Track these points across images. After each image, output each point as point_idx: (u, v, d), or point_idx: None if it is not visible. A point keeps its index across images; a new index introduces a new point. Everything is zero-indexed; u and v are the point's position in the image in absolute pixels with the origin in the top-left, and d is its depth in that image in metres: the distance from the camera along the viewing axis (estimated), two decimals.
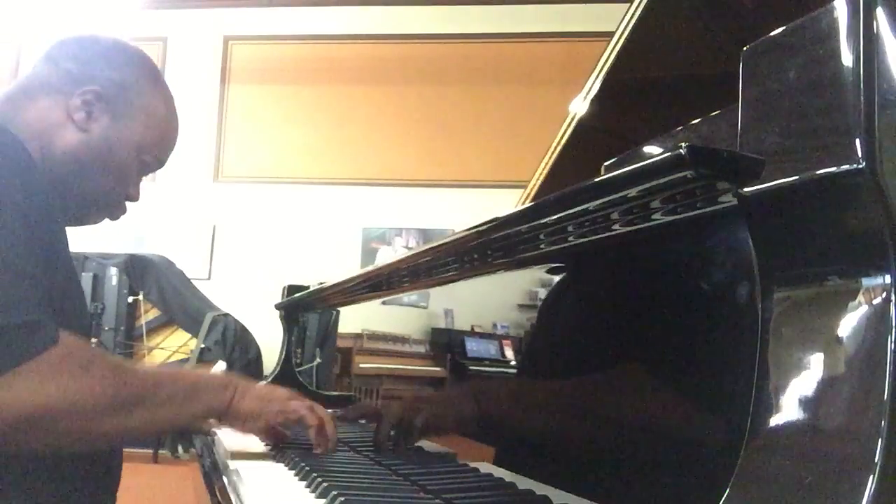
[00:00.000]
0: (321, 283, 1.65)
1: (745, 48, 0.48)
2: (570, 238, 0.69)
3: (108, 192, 1.09)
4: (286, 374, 1.78)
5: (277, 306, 1.90)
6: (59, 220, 0.98)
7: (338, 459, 1.00)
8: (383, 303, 1.43)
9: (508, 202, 1.63)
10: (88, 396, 0.84)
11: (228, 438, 1.11)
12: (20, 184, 0.88)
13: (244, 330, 4.31)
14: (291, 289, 1.82)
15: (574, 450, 0.76)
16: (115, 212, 1.13)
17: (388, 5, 5.07)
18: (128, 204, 1.14)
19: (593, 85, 1.44)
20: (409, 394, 1.35)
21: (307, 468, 0.88)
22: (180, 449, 4.08)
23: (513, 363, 0.97)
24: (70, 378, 0.82)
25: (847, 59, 0.41)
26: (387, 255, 4.75)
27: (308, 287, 1.75)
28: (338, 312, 1.85)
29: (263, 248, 4.99)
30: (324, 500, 0.75)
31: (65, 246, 0.99)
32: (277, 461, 0.99)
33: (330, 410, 1.08)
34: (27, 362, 0.79)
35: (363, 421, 1.46)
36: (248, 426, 1.03)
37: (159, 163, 1.13)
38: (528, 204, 0.73)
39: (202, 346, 4.17)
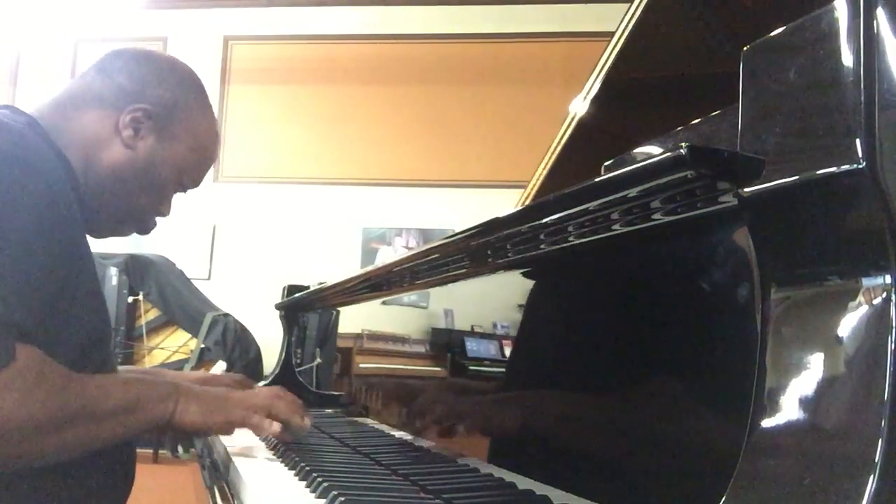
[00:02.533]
0: (321, 283, 1.65)
1: (745, 48, 0.48)
2: (570, 238, 0.69)
3: (144, 210, 1.10)
4: (286, 374, 1.78)
5: (277, 306, 1.90)
6: (82, 231, 0.98)
7: (338, 459, 1.00)
8: (383, 303, 1.43)
9: (508, 202, 1.64)
10: (31, 416, 0.81)
11: (228, 438, 1.11)
12: (48, 203, 0.87)
13: (244, 330, 4.31)
14: (291, 289, 1.82)
15: (574, 450, 0.76)
16: (146, 227, 1.13)
17: (388, 5, 5.07)
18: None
19: (593, 85, 1.44)
20: (412, 394, 1.35)
21: (307, 468, 0.88)
22: (180, 449, 4.08)
23: (513, 363, 0.97)
24: (20, 396, 0.79)
25: (847, 59, 0.41)
26: (387, 255, 4.75)
27: (308, 287, 1.75)
28: (338, 312, 1.85)
29: (263, 248, 4.99)
30: (324, 500, 0.75)
31: (88, 258, 0.98)
32: (277, 461, 0.99)
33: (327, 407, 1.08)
34: None
35: (359, 418, 1.46)
36: (196, 436, 1.02)
37: (195, 184, 1.14)
38: (528, 204, 0.73)
39: (202, 346, 4.17)
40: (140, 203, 1.08)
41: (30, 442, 0.82)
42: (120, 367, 1.25)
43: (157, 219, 1.14)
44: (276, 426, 1.02)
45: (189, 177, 1.11)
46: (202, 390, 1.03)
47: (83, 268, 0.95)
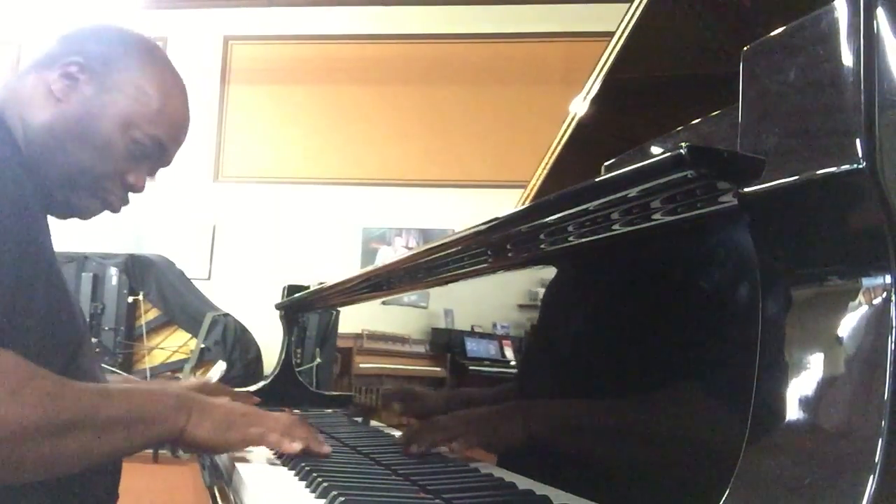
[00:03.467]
0: (321, 283, 1.65)
1: (745, 48, 0.48)
2: (570, 238, 0.69)
3: (94, 173, 0.99)
4: (286, 374, 1.78)
5: (277, 306, 1.90)
6: (37, 212, 0.91)
7: (338, 459, 1.00)
8: (383, 303, 1.43)
9: (508, 202, 1.64)
10: (16, 421, 0.75)
11: None
12: (3, 189, 0.82)
13: (244, 330, 4.31)
14: (291, 289, 1.82)
15: (574, 450, 0.76)
16: (112, 200, 1.03)
17: (388, 5, 5.07)
18: (130, 199, 1.05)
19: (593, 85, 1.44)
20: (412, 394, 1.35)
21: (307, 468, 0.88)
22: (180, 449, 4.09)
23: (513, 363, 0.97)
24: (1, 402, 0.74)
25: (847, 59, 0.41)
26: (387, 255, 4.75)
27: (308, 287, 1.75)
28: (338, 312, 1.85)
29: (263, 248, 4.99)
30: (324, 500, 0.75)
31: (46, 242, 0.92)
32: (277, 461, 0.99)
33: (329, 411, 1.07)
34: None
35: (359, 419, 1.46)
36: (206, 452, 0.95)
37: (156, 143, 1.03)
38: (528, 204, 0.73)
39: (202, 346, 4.17)
40: (86, 162, 0.98)
41: (28, 450, 0.77)
42: (116, 377, 1.19)
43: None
44: (296, 444, 0.96)
45: (141, 131, 1.00)
46: (217, 404, 0.97)
47: (40, 256, 0.88)
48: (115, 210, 1.05)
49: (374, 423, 1.41)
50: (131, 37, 1.06)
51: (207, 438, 0.91)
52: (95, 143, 0.98)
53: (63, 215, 1.03)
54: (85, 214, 1.04)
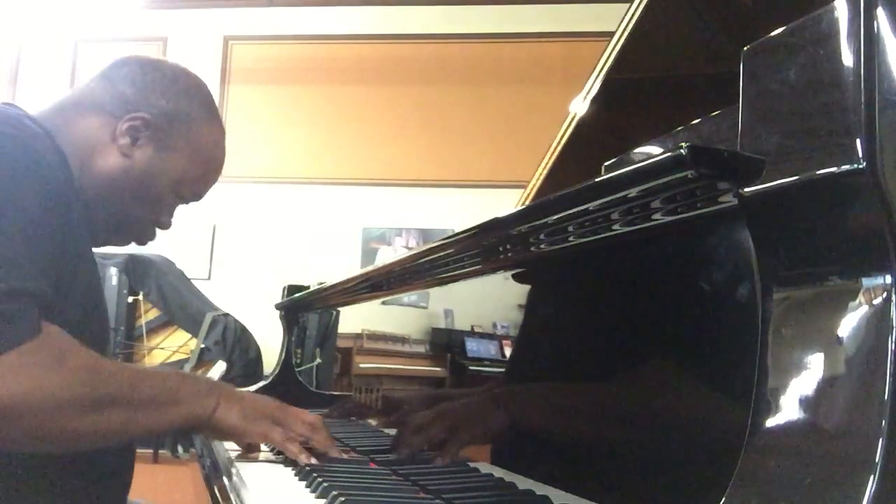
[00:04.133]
0: (321, 283, 1.65)
1: (745, 48, 0.48)
2: (570, 238, 0.69)
3: (138, 220, 1.08)
4: (286, 374, 1.78)
5: (277, 306, 1.90)
6: (80, 225, 0.96)
7: (338, 459, 1.00)
8: (383, 303, 1.43)
9: (508, 202, 1.64)
10: (58, 392, 0.79)
11: None
12: (51, 188, 0.87)
13: (244, 330, 4.31)
14: (291, 289, 1.82)
15: (574, 450, 0.76)
16: (144, 237, 1.11)
17: (388, 5, 5.07)
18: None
19: (593, 85, 1.44)
20: (412, 394, 1.35)
21: (307, 468, 0.88)
22: (180, 449, 4.09)
23: (512, 363, 0.97)
24: (41, 371, 0.78)
25: (847, 59, 0.41)
26: (387, 255, 4.75)
27: (308, 287, 1.75)
28: (338, 312, 1.85)
29: (263, 248, 4.99)
30: (324, 500, 0.75)
31: (90, 259, 0.98)
32: (278, 461, 0.99)
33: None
34: (1, 354, 0.75)
35: (354, 418, 1.46)
36: (228, 439, 0.99)
37: (196, 196, 1.12)
38: (528, 204, 0.73)
39: (202, 346, 4.17)
40: (135, 213, 1.06)
41: (69, 421, 0.80)
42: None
43: (158, 231, 1.13)
44: (304, 457, 0.96)
45: (189, 189, 1.09)
46: (245, 394, 1.02)
47: (82, 257, 0.93)
48: (144, 244, 1.13)
49: (373, 423, 1.41)
50: (193, 89, 1.11)
51: (234, 424, 0.95)
52: (148, 198, 1.06)
53: (97, 245, 1.09)
54: (114, 245, 1.11)
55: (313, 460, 0.95)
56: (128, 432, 0.89)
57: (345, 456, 0.99)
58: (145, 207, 1.06)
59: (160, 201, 1.07)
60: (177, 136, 1.05)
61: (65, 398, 0.80)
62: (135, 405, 0.87)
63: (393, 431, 1.26)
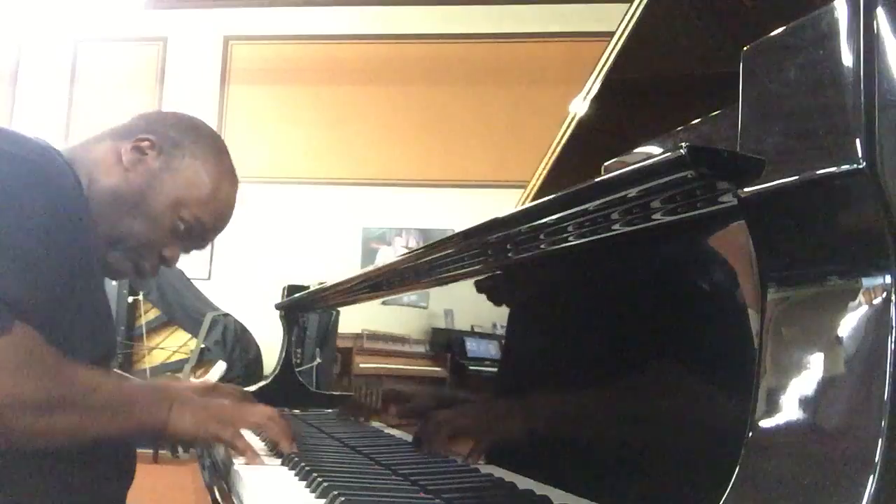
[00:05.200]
0: (321, 283, 1.65)
1: (745, 48, 0.48)
2: (570, 238, 0.69)
3: (138, 240, 1.08)
4: (286, 374, 1.78)
5: (277, 306, 1.90)
6: (91, 243, 0.99)
7: (338, 459, 1.00)
8: (383, 303, 1.43)
9: (508, 202, 1.63)
10: (11, 391, 0.81)
11: None
12: (57, 203, 0.91)
13: (244, 330, 4.30)
14: (291, 289, 1.82)
15: (574, 450, 0.76)
16: (144, 267, 1.11)
17: (388, 5, 5.07)
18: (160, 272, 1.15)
19: (593, 85, 1.44)
20: (412, 394, 1.35)
21: (307, 468, 0.88)
22: (180, 449, 4.08)
23: (512, 363, 0.97)
24: (6, 371, 0.81)
25: (847, 59, 0.41)
26: (387, 255, 4.74)
27: (308, 287, 1.75)
28: (338, 312, 1.85)
29: (263, 248, 4.98)
30: (324, 500, 0.75)
31: (95, 269, 1.00)
32: (277, 461, 0.99)
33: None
34: None
35: (362, 419, 1.46)
36: (187, 446, 1.02)
37: (199, 225, 1.11)
38: (528, 204, 0.73)
39: (202, 346, 4.17)
40: (134, 232, 1.07)
41: (18, 420, 0.83)
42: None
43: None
44: (250, 453, 0.99)
45: (188, 212, 1.09)
46: (199, 400, 1.03)
47: (89, 275, 0.96)
48: (143, 277, 1.15)
49: (373, 423, 1.41)
50: (204, 130, 1.18)
51: (186, 430, 0.96)
52: (147, 213, 1.07)
53: None
54: (115, 275, 1.12)
55: (261, 457, 0.99)
56: (77, 437, 0.89)
57: (294, 448, 1.02)
58: (143, 226, 1.07)
59: (157, 222, 1.08)
60: (180, 160, 1.09)
61: (18, 397, 0.82)
62: (87, 410, 0.88)
63: (394, 431, 1.26)
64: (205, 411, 1.00)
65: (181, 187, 1.09)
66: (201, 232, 1.13)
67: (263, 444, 1.13)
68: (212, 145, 1.16)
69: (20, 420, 0.83)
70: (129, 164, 1.06)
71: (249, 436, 1.08)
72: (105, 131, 1.12)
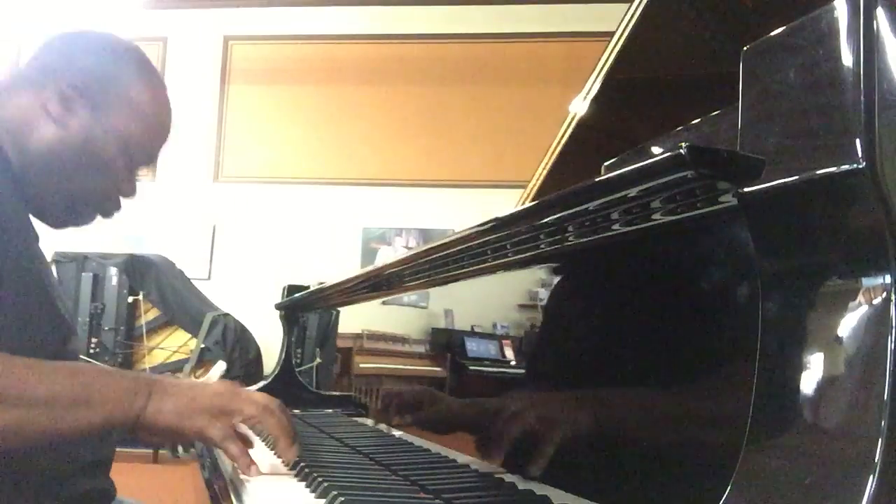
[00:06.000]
0: (321, 283, 1.65)
1: (745, 48, 0.48)
2: (570, 238, 0.69)
3: (97, 192, 1.02)
4: (286, 374, 1.78)
5: (277, 306, 1.90)
6: (10, 213, 0.90)
7: (338, 459, 1.00)
8: (383, 303, 1.43)
9: (508, 202, 1.63)
10: None
11: None
12: None
13: (244, 330, 4.31)
14: (291, 289, 1.82)
15: (574, 450, 0.76)
16: (108, 208, 1.05)
17: (388, 5, 5.07)
18: (125, 201, 1.07)
19: (593, 85, 1.44)
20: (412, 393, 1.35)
21: (307, 468, 0.88)
22: (180, 449, 4.08)
23: (513, 363, 0.97)
24: None
25: (847, 59, 0.41)
26: (387, 255, 4.75)
27: (308, 287, 1.75)
28: (338, 312, 1.85)
29: (263, 248, 4.99)
30: (324, 500, 0.75)
31: (29, 246, 0.92)
32: (278, 461, 0.99)
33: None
34: None
35: (370, 421, 1.46)
36: (168, 441, 0.89)
37: (149, 157, 1.05)
38: (528, 204, 0.73)
39: (202, 346, 4.18)
40: (89, 184, 1.00)
41: None
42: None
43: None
44: (254, 468, 0.86)
45: (139, 149, 1.02)
46: (186, 385, 0.89)
47: (10, 258, 0.86)
48: (110, 216, 1.07)
49: (372, 422, 1.41)
50: (121, 49, 1.06)
51: (167, 425, 0.83)
52: (97, 166, 1.00)
53: (60, 226, 1.05)
54: (80, 224, 1.05)
55: (256, 467, 0.86)
56: (20, 435, 0.78)
57: (295, 453, 0.89)
58: (98, 176, 1.00)
59: (110, 167, 1.01)
60: (111, 97, 1.00)
61: None
62: (29, 404, 0.77)
63: (392, 431, 1.26)
64: (191, 401, 0.85)
65: (122, 126, 1.00)
66: (151, 157, 1.06)
67: (263, 442, 1.13)
68: (135, 64, 1.05)
69: None
70: (58, 116, 0.97)
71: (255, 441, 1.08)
72: (12, 76, 1.01)
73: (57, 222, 1.03)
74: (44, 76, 0.99)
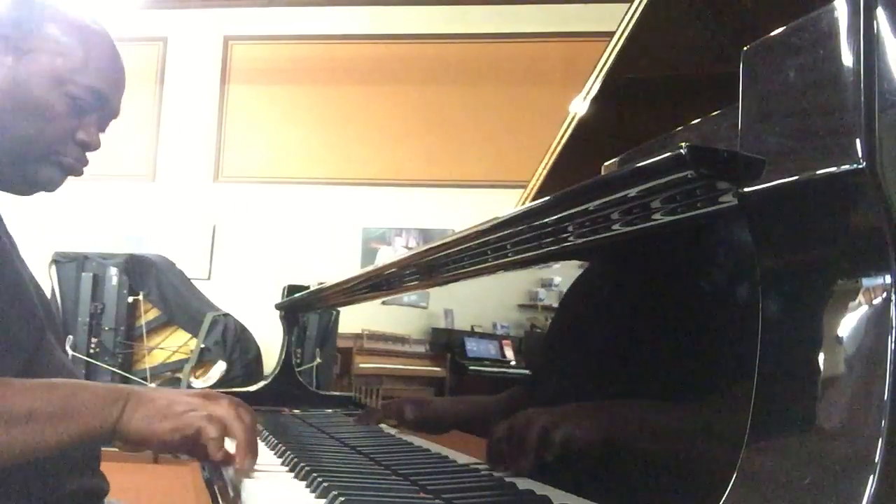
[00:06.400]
0: (321, 283, 1.65)
1: (745, 48, 0.48)
2: (571, 238, 0.69)
3: (42, 140, 0.97)
4: (286, 374, 1.78)
5: (277, 306, 1.90)
6: None
7: (338, 459, 1.00)
8: (383, 303, 1.43)
9: (508, 202, 1.64)
10: None
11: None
12: None
13: (244, 330, 4.31)
14: (291, 289, 1.82)
15: (574, 450, 0.76)
16: (71, 163, 1.00)
17: (387, 5, 5.07)
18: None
19: (593, 85, 1.44)
20: (410, 394, 1.35)
21: (307, 468, 0.88)
22: None
23: (513, 363, 0.97)
24: None
25: (847, 59, 0.41)
26: (387, 255, 4.74)
27: (308, 287, 1.75)
28: (338, 312, 1.85)
29: (263, 248, 4.99)
30: (324, 500, 0.75)
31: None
32: (277, 461, 0.99)
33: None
34: None
35: (384, 426, 1.46)
36: (143, 447, 0.87)
37: (95, 94, 1.00)
38: (528, 204, 0.73)
39: (202, 346, 4.18)
40: (29, 132, 0.96)
41: None
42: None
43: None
44: (229, 453, 0.87)
45: (74, 86, 0.97)
46: (164, 394, 0.89)
47: None
48: (77, 172, 1.03)
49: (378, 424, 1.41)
50: None
51: (139, 429, 0.84)
52: (33, 109, 0.96)
53: (26, 191, 1.01)
54: (49, 186, 1.01)
55: (231, 454, 0.86)
56: (14, 451, 0.78)
57: (249, 464, 0.87)
58: (39, 123, 0.96)
59: (49, 110, 0.96)
60: (31, 37, 0.97)
61: None
62: (7, 422, 0.77)
63: (393, 431, 1.26)
64: (163, 407, 0.85)
65: (49, 63, 0.96)
66: (101, 99, 1.01)
67: (263, 442, 1.13)
68: (53, 6, 1.01)
69: None
70: None
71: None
72: None
73: (18, 187, 0.99)
74: None
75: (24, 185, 1.00)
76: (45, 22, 0.99)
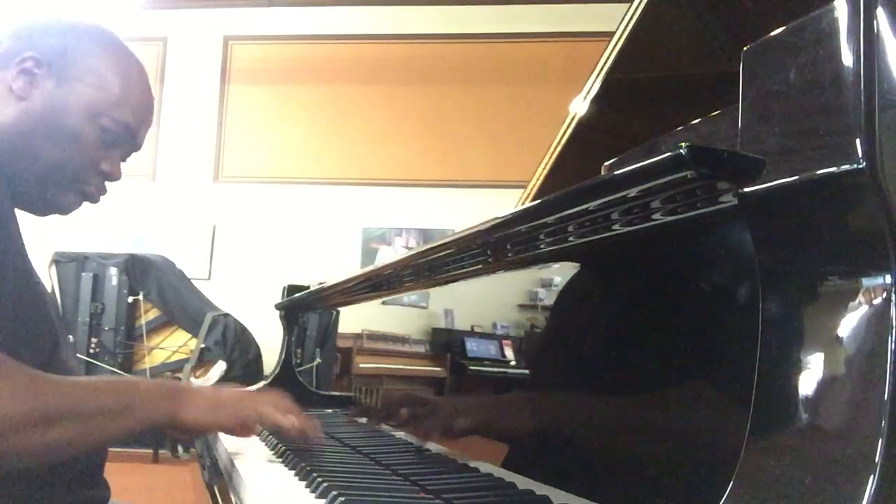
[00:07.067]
0: (321, 283, 1.65)
1: (745, 48, 0.48)
2: (571, 238, 0.69)
3: (69, 167, 0.99)
4: (286, 374, 1.78)
5: (277, 306, 1.90)
6: (7, 213, 0.89)
7: (338, 459, 1.00)
8: (383, 303, 1.43)
9: (508, 202, 1.64)
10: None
11: (228, 438, 1.10)
12: None
13: (244, 330, 4.31)
14: (291, 289, 1.82)
15: (574, 450, 0.76)
16: (90, 191, 1.02)
17: (388, 5, 5.07)
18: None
19: (593, 85, 1.44)
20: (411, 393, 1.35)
21: (307, 468, 0.88)
22: (180, 449, 4.09)
23: (513, 363, 0.97)
24: None
25: (847, 59, 0.41)
26: (387, 255, 4.74)
27: (308, 287, 1.75)
28: (338, 312, 1.85)
29: (263, 248, 4.99)
30: (324, 500, 0.75)
31: (12, 241, 0.90)
32: (278, 461, 0.99)
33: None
34: None
35: (363, 420, 1.46)
36: (199, 433, 0.99)
37: (125, 128, 1.02)
38: (528, 204, 0.73)
39: (202, 346, 4.17)
40: (60, 160, 0.98)
41: (4, 442, 0.77)
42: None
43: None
44: (290, 418, 0.99)
45: (109, 119, 0.99)
46: (209, 388, 1.01)
47: (6, 256, 0.86)
48: (95, 200, 1.05)
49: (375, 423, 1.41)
50: (83, 25, 1.05)
51: (197, 418, 0.94)
52: (65, 137, 0.97)
53: (42, 212, 1.02)
54: (64, 210, 1.03)
55: (291, 418, 0.98)
56: (80, 446, 0.86)
57: (320, 434, 1.02)
58: (67, 149, 0.98)
59: (80, 139, 0.98)
60: (75, 67, 0.99)
61: (7, 418, 0.76)
62: (83, 418, 0.84)
63: (393, 431, 1.26)
64: (218, 399, 0.98)
65: (87, 94, 0.98)
66: (130, 133, 1.03)
67: (263, 442, 1.13)
68: (99, 38, 1.04)
69: (13, 442, 0.77)
70: (21, 92, 0.96)
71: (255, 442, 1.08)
72: None
73: (36, 207, 1.01)
74: (5, 58, 0.97)
75: (42, 206, 1.02)
76: (90, 53, 1.01)
